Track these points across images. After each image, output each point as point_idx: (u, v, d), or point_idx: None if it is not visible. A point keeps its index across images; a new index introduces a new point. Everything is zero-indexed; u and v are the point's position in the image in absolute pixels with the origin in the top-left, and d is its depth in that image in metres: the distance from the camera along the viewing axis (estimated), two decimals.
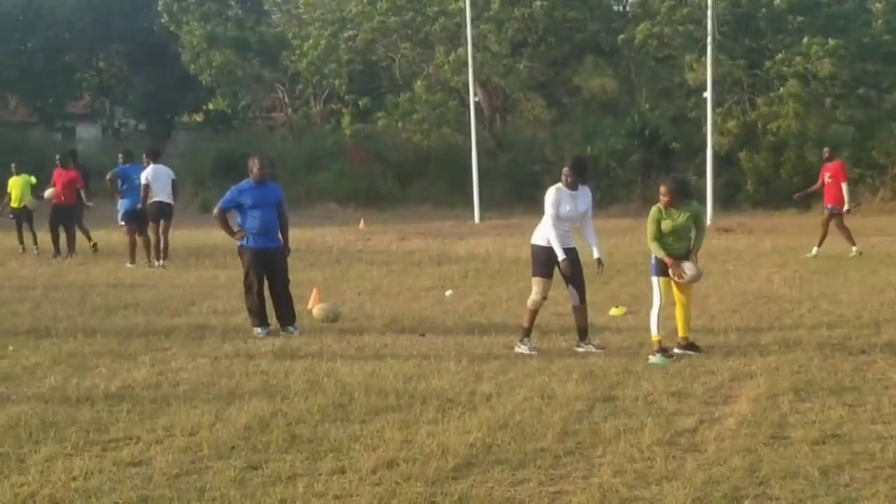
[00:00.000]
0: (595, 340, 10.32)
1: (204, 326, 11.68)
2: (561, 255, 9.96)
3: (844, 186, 18.43)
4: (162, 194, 17.89)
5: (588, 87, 43.30)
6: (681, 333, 10.12)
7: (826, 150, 19.55)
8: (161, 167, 18.11)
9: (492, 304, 13.33)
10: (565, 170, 10.19)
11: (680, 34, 35.12)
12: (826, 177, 18.73)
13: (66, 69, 52.07)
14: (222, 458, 6.72)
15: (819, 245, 18.33)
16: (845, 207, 18.50)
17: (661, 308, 9.86)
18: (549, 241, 10.07)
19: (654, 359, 9.58)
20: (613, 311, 12.41)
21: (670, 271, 9.91)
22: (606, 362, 9.49)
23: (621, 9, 43.32)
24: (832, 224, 18.49)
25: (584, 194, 10.28)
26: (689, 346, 10.05)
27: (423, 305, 13.29)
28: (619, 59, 40.28)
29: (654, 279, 10.02)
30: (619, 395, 8.28)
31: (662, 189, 10.20)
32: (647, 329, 10.48)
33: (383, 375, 9.00)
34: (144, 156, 18.27)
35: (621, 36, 36.32)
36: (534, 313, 10.24)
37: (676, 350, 9.98)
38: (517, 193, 34.42)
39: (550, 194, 10.10)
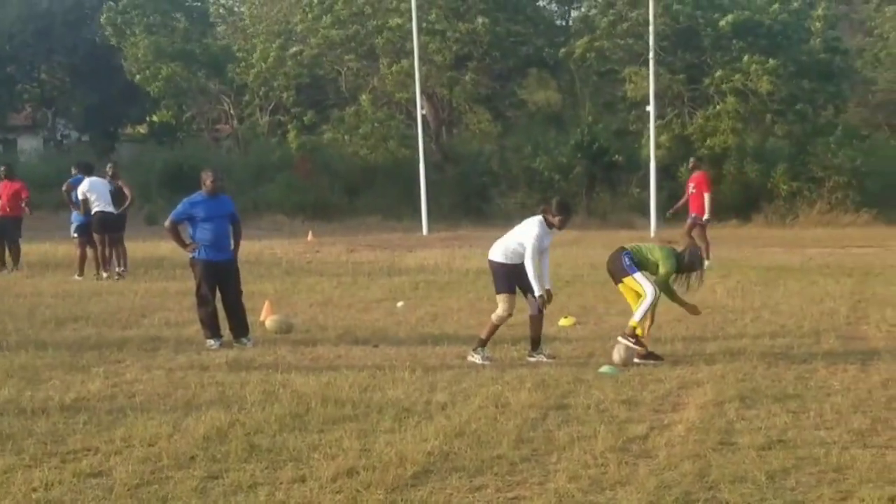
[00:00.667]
0: (546, 350, 10.49)
1: (157, 338, 11.69)
2: (538, 292, 10.10)
3: (707, 197, 18.75)
4: (103, 205, 17.89)
5: (533, 100, 43.77)
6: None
7: (691, 160, 20.05)
8: (96, 179, 18.17)
9: (443, 315, 13.47)
10: (559, 215, 10.21)
11: (620, 48, 35.62)
12: (690, 187, 19.17)
13: (8, 81, 51.41)
14: (182, 468, 6.78)
15: (707, 256, 18.65)
16: (705, 217, 18.90)
17: (655, 299, 10.18)
18: (506, 258, 10.29)
19: (605, 368, 9.78)
20: (563, 322, 12.61)
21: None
22: (558, 371, 9.67)
23: (564, 23, 43.83)
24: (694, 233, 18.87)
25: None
26: (649, 355, 10.27)
27: (374, 317, 13.41)
28: (562, 72, 40.75)
29: (639, 274, 10.28)
30: (571, 403, 8.46)
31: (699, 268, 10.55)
32: (596, 339, 10.76)
33: (339, 386, 9.10)
34: (75, 168, 18.80)
35: (563, 49, 36.73)
36: (496, 328, 10.38)
37: (637, 360, 10.20)
38: (464, 205, 34.69)
39: (535, 228, 10.16)
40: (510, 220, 32.35)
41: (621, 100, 37.21)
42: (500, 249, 10.42)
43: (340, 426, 7.74)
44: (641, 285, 10.26)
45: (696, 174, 19.17)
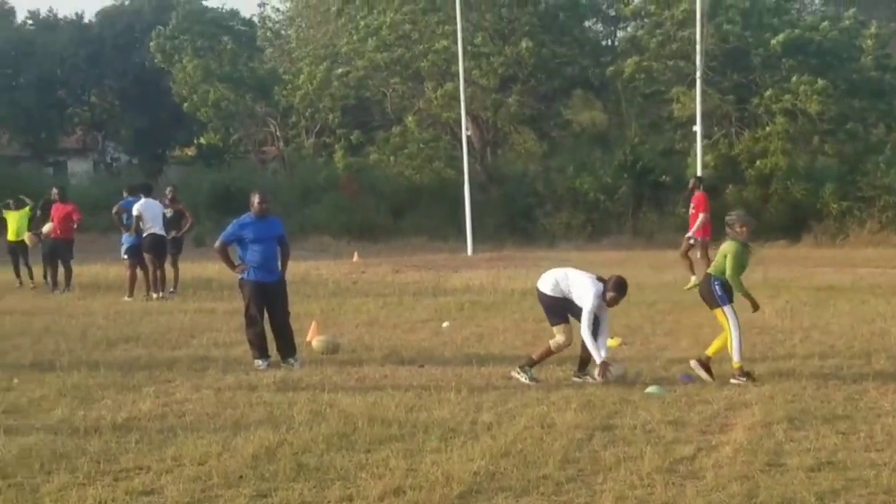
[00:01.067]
0: (592, 371, 10.48)
1: (205, 358, 11.81)
2: (600, 359, 10.11)
3: (701, 217, 18.75)
4: (156, 227, 18.13)
5: (578, 120, 43.78)
6: (709, 353, 10.44)
7: (692, 181, 19.99)
8: (151, 201, 18.43)
9: (489, 335, 13.49)
10: (612, 292, 10.16)
11: (669, 69, 35.61)
12: (691, 207, 19.17)
13: (59, 104, 52.32)
14: (232, 486, 6.85)
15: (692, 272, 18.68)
16: (688, 234, 19.02)
17: (741, 333, 10.22)
18: (553, 290, 10.36)
19: (651, 389, 9.75)
20: (609, 342, 12.55)
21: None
22: (604, 392, 9.65)
23: (610, 43, 43.86)
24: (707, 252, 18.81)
25: None
26: (705, 367, 10.32)
27: (420, 337, 13.45)
28: (608, 93, 40.74)
29: (728, 308, 10.31)
30: (617, 423, 8.44)
31: (743, 223, 10.53)
32: (643, 359, 10.73)
33: (385, 405, 9.14)
34: (126, 191, 19.25)
35: (610, 69, 36.75)
36: (551, 354, 10.38)
37: (692, 363, 10.33)
38: (509, 226, 34.72)
39: (592, 300, 10.08)
40: (555, 240, 32.70)
41: (667, 119, 37.17)
42: (550, 282, 10.44)
43: (387, 446, 7.78)
44: (727, 319, 10.30)
45: (696, 195, 19.19)
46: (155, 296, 18.00)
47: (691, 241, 18.89)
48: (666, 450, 7.58)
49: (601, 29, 45.01)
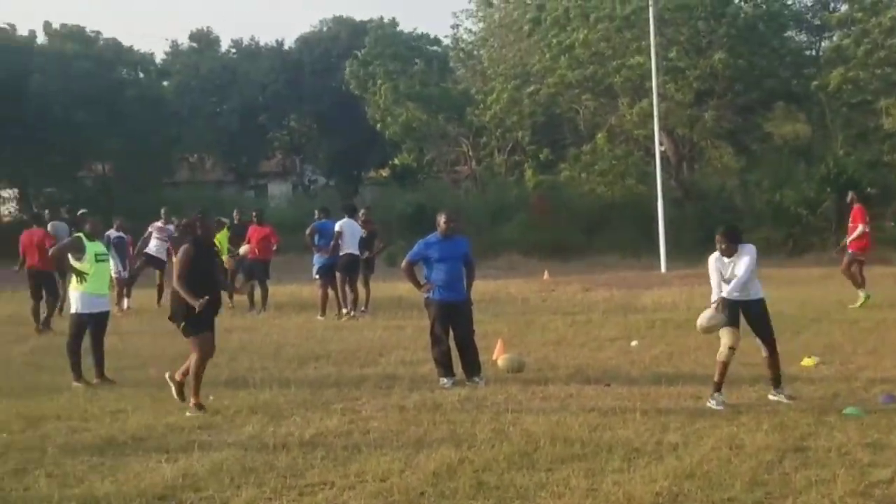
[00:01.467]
0: (786, 390, 10.08)
1: (392, 377, 11.93)
2: (715, 297, 10.07)
3: (860, 228, 18.30)
4: (352, 247, 18.54)
5: (779, 133, 42.46)
6: None
7: (850, 195, 19.22)
8: (352, 221, 18.83)
9: (679, 354, 13.17)
10: (718, 242, 10.18)
11: (876, 77, 34.19)
12: (849, 220, 18.43)
13: (260, 130, 54.28)
14: (412, 503, 6.88)
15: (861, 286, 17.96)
16: (842, 243, 18.67)
17: None
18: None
19: (849, 409, 9.31)
20: (805, 362, 12.09)
21: None
22: (797, 413, 9.26)
23: (813, 53, 42.41)
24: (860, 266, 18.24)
25: (742, 254, 10.20)
26: None
27: (608, 355, 13.25)
28: (811, 104, 39.36)
29: None
30: (810, 445, 8.09)
31: None
32: (841, 380, 10.27)
33: (568, 425, 9.02)
34: (319, 213, 20.01)
35: (815, 83, 35.53)
36: (724, 365, 10.02)
37: None
38: (705, 242, 33.85)
39: (713, 262, 10.31)
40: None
41: (874, 130, 35.67)
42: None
43: (568, 465, 7.67)
44: None
45: (854, 207, 18.52)
46: (345, 312, 18.37)
47: (855, 256, 18.26)
48: (862, 473, 7.21)
49: (804, 39, 43.58)
